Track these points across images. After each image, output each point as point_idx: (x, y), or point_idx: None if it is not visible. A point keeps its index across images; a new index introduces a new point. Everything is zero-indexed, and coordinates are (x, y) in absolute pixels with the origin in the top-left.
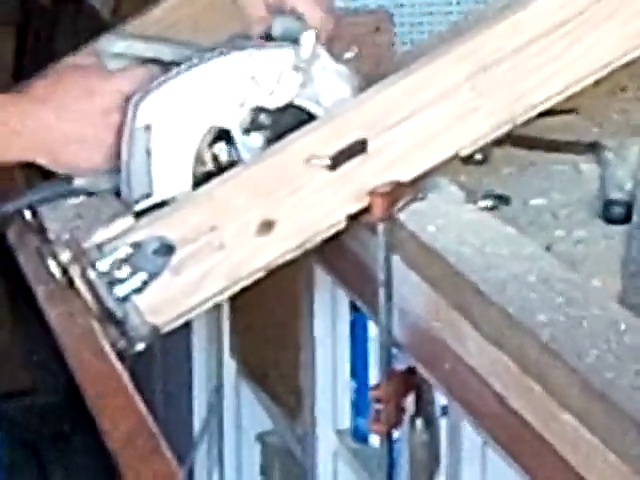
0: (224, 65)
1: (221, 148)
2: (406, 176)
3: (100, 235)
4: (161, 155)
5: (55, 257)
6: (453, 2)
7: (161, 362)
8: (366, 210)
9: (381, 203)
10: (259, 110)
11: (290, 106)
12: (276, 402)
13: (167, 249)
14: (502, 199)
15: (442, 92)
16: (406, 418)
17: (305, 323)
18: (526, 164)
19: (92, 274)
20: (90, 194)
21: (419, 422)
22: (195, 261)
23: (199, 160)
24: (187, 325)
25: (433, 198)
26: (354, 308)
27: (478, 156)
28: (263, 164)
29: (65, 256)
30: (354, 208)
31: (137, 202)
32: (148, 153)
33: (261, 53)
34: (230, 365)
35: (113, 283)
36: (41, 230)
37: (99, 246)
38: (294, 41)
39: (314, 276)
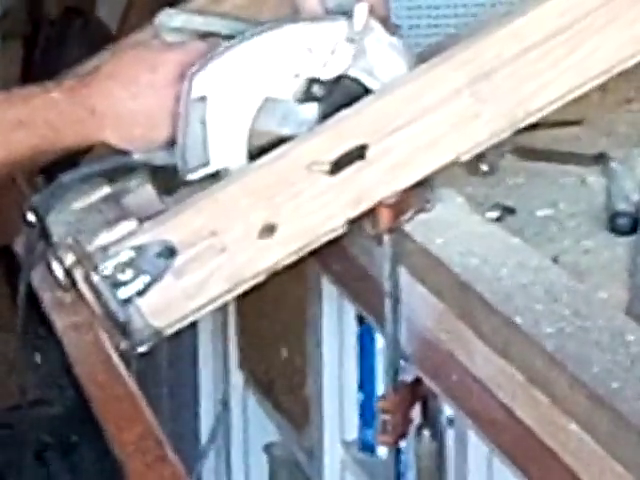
0: (279, 37)
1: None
2: (406, 181)
3: (103, 238)
4: (216, 126)
5: (59, 260)
6: (458, 14)
7: (168, 374)
8: (373, 221)
9: (388, 214)
10: (313, 81)
11: (344, 78)
12: (283, 413)
13: (170, 252)
14: (508, 210)
15: (442, 98)
16: (413, 429)
17: (312, 335)
18: (532, 175)
19: (95, 277)
20: (149, 167)
21: (426, 433)
22: (197, 264)
23: (254, 135)
24: (194, 337)
25: (439, 209)
26: (361, 320)
27: (484, 167)
28: (265, 169)
29: (69, 259)
30: (354, 213)
31: (192, 172)
32: (203, 124)
33: (315, 25)
34: (237, 376)
35: (116, 286)
36: (45, 234)
37: (102, 249)
38: (347, 15)
39: (321, 288)
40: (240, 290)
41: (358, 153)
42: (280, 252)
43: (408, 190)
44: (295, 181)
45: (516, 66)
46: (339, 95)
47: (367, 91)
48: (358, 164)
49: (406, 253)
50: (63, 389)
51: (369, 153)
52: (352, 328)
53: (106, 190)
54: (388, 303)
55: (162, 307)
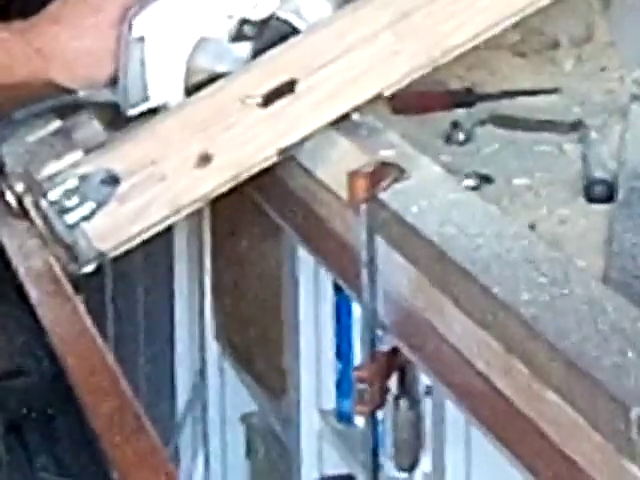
0: None
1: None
2: (333, 114)
3: (51, 168)
4: (155, 64)
5: (11, 189)
6: None
7: (144, 346)
8: (349, 190)
9: (364, 183)
10: (244, 22)
11: (273, 18)
12: (260, 383)
13: (113, 180)
14: (485, 179)
15: (365, 37)
16: (390, 398)
17: (289, 304)
18: (509, 144)
19: (44, 203)
20: (96, 104)
21: (403, 402)
22: (139, 191)
23: (190, 72)
24: (170, 307)
25: (416, 178)
26: (338, 289)
27: (461, 136)
28: (201, 102)
29: (19, 187)
30: (285, 143)
31: (132, 108)
32: (142, 63)
33: None
34: (213, 347)
35: (63, 211)
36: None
37: (50, 178)
38: None
39: (297, 257)
40: (179, 216)
41: (288, 87)
42: (216, 180)
43: (384, 160)
44: (229, 113)
45: (433, 7)
46: (269, 34)
47: (295, 31)
48: (288, 98)
49: (383, 222)
50: (39, 360)
51: (298, 87)
52: (329, 297)
53: (56, 125)
54: (365, 272)
55: (106, 231)
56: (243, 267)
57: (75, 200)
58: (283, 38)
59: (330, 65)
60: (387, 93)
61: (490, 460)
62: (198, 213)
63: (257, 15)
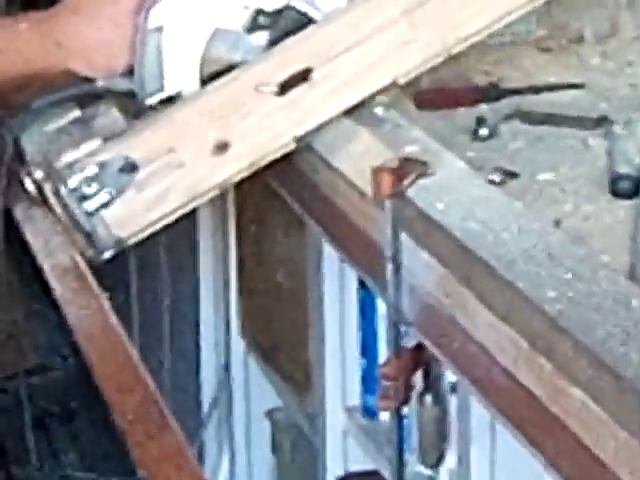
0: None
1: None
2: (349, 102)
3: (70, 156)
4: (171, 54)
5: (30, 176)
6: None
7: (169, 342)
8: (374, 186)
9: (389, 179)
10: (259, 12)
11: (288, 9)
12: (285, 379)
13: (131, 168)
14: (510, 174)
15: (380, 26)
16: (415, 394)
17: (314, 300)
18: (534, 139)
19: (63, 190)
20: (116, 93)
21: (428, 398)
22: (157, 179)
23: (206, 62)
24: (195, 303)
25: (441, 174)
26: (363, 285)
27: (485, 131)
28: (218, 91)
29: (39, 174)
30: (301, 130)
31: (149, 97)
32: (159, 52)
33: None
34: (238, 342)
35: (82, 199)
36: (19, 153)
37: (69, 165)
38: None
39: (322, 253)
40: (196, 204)
41: (304, 76)
42: (233, 167)
43: (408, 155)
44: (246, 101)
45: None
46: (284, 24)
47: (310, 20)
48: (304, 86)
49: (407, 218)
50: (64, 356)
51: (314, 76)
52: (354, 294)
53: (76, 114)
54: (389, 268)
55: (125, 218)
56: (268, 263)
57: (94, 187)
58: (298, 28)
59: (345, 53)
60: (402, 81)
61: (515, 456)
62: (222, 208)
63: (272, 5)
